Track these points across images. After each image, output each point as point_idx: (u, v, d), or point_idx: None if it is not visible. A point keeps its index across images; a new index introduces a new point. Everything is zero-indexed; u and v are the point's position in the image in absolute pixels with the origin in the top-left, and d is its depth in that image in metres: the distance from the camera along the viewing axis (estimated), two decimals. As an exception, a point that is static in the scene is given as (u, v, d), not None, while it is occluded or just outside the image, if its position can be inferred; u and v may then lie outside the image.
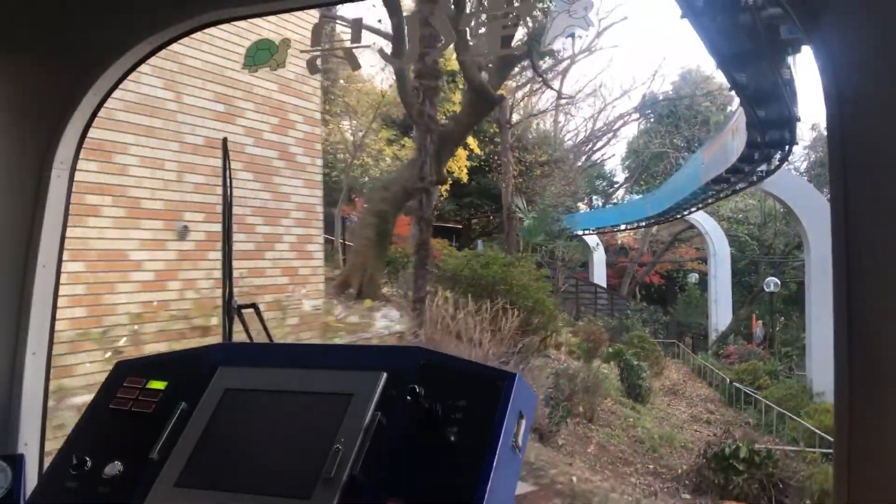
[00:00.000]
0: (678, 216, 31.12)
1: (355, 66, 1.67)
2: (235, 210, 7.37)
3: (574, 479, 8.24)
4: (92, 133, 6.00)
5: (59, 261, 1.79)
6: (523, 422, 1.20)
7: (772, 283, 29.44)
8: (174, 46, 6.48)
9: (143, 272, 6.71)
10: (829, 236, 1.17)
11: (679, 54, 76.32)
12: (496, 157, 25.34)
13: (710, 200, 24.65)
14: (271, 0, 1.64)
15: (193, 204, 7.23)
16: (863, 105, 1.18)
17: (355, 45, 1.64)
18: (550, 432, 10.88)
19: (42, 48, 1.70)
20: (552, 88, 23.82)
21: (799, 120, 12.34)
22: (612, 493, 8.26)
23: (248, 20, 2.05)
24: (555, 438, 10.88)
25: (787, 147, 14.74)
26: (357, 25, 1.66)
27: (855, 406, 1.17)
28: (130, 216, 6.59)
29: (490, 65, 14.39)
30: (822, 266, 20.85)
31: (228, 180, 1.73)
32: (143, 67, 5.97)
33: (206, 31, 6.04)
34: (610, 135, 42.60)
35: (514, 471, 1.17)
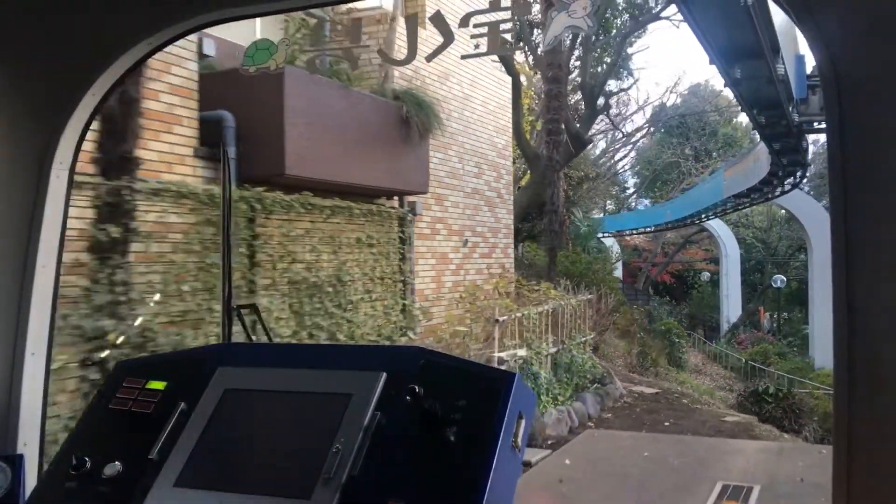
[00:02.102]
0: (697, 221, 36.71)
1: (355, 66, 2.60)
2: (479, 229, 15.50)
3: (679, 387, 14.07)
4: (435, 189, 12.76)
5: (59, 261, 1.82)
6: (522, 422, 1.23)
7: (779, 280, 35.48)
8: (462, 136, 13.77)
9: (452, 265, 12.45)
10: (828, 240, 1.21)
11: (688, 68, 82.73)
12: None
13: (729, 210, 30.51)
14: (272, 0, 1.70)
15: (466, 226, 12.96)
16: (862, 95, 1.19)
17: (355, 45, 1.68)
18: (641, 374, 16.74)
19: (40, 48, 1.73)
20: (619, 130, 29.50)
21: (810, 165, 18.36)
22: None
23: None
24: (644, 377, 16.66)
25: (798, 177, 20.58)
26: (357, 26, 1.64)
27: (855, 406, 1.19)
28: (449, 234, 12.32)
29: (581, 115, 20.15)
30: (823, 266, 26.57)
31: (228, 186, 1.81)
32: (450, 151, 12.40)
33: (472, 122, 13.48)
34: (630, 146, 47.54)
35: (513, 471, 1.20)
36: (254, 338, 1.78)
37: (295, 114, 7.82)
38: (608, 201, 50.40)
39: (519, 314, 10.27)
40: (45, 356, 1.78)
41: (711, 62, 11.33)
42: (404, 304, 8.44)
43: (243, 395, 1.37)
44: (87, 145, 5.80)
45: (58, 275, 1.81)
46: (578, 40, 19.90)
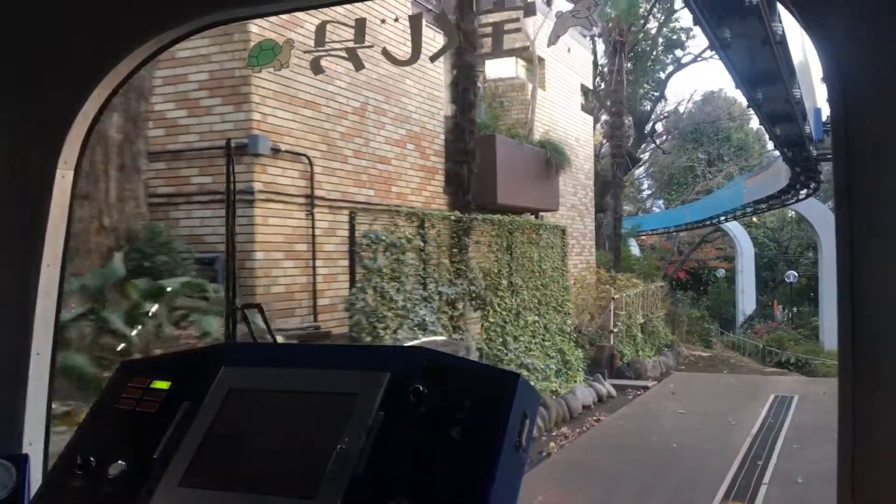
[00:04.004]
0: (717, 223, 41.32)
1: (359, 66, 1.80)
2: (575, 234, 21.94)
3: (723, 354, 18.90)
4: (563, 207, 18.66)
5: (64, 260, 1.85)
6: (527, 422, 1.25)
7: (791, 276, 40.32)
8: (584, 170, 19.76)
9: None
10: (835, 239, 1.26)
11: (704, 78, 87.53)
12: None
13: (748, 214, 35.36)
14: (278, 0, 1.74)
15: (568, 232, 17.78)
16: (869, 101, 1.23)
17: (359, 45, 1.74)
18: (690, 345, 21.58)
19: (46, 48, 1.77)
20: (663, 151, 34.52)
21: (823, 182, 23.41)
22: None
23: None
24: (696, 347, 21.52)
25: (812, 188, 25.49)
26: (360, 25, 1.74)
27: (858, 404, 1.23)
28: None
29: (632, 136, 24.97)
30: (832, 263, 30.90)
31: (232, 182, 1.82)
32: (559, 177, 17.59)
33: (570, 154, 19.36)
34: (650, 152, 51.88)
35: (517, 471, 1.22)
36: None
37: (500, 163, 12.60)
38: (624, 203, 54.30)
39: (626, 294, 15.07)
40: (50, 355, 1.82)
41: (761, 123, 16.20)
42: (566, 286, 13.23)
43: (247, 395, 1.40)
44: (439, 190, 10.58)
45: (62, 274, 1.84)
46: (628, 71, 24.69)
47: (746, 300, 43.41)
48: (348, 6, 2.04)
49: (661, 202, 54.47)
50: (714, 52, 18.38)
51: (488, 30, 10.58)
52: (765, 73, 12.41)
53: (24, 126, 1.82)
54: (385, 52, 2.15)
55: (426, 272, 8.77)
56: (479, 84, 11.22)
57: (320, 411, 1.32)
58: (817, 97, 17.02)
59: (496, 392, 1.23)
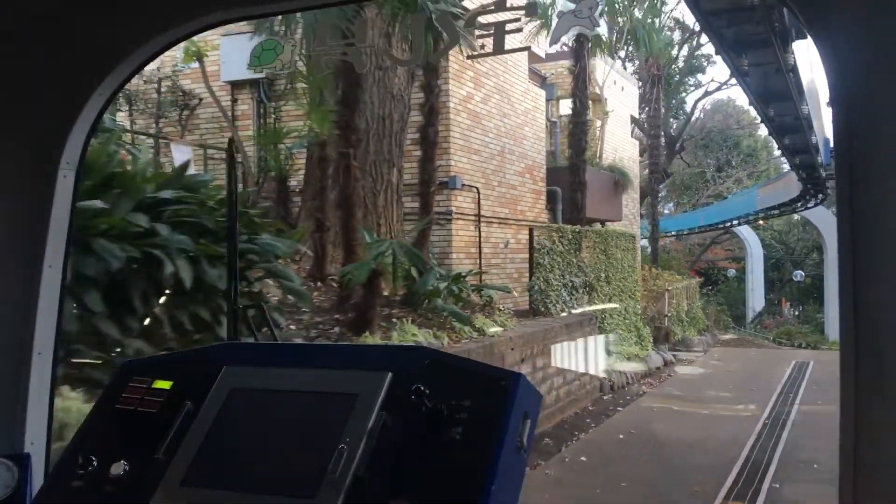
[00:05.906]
0: (730, 226, 45.40)
1: (361, 66, 2.53)
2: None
3: (747, 339, 23.15)
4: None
5: (66, 261, 1.88)
6: (528, 422, 1.27)
7: (798, 275, 44.45)
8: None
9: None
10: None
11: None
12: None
13: (760, 218, 39.66)
14: (278, 1, 1.79)
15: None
16: (869, 104, 1.26)
17: (362, 45, 1.91)
18: (718, 330, 25.83)
19: (48, 49, 1.81)
20: (686, 163, 38.83)
21: (829, 195, 27.85)
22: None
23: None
24: (721, 332, 25.80)
25: (820, 199, 29.82)
26: (362, 24, 2.04)
27: (859, 397, 1.29)
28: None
29: (664, 152, 29.26)
30: (836, 263, 34.87)
31: (234, 182, 1.84)
32: (626, 194, 22.17)
33: None
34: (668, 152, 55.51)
35: (518, 471, 1.25)
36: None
37: (588, 186, 16.81)
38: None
39: (674, 286, 19.32)
40: (52, 355, 1.85)
41: (782, 155, 20.54)
42: (636, 279, 17.48)
43: (249, 395, 1.42)
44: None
45: (65, 275, 1.88)
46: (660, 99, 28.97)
47: (756, 298, 47.03)
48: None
49: (670, 206, 58.60)
50: (739, 85, 22.60)
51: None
52: (793, 127, 17.02)
53: (26, 126, 1.86)
54: (391, 56, 2.77)
55: (563, 267, 13.01)
56: (587, 129, 15.41)
57: (322, 411, 1.35)
58: (826, 128, 21.29)
59: (497, 392, 1.26)
